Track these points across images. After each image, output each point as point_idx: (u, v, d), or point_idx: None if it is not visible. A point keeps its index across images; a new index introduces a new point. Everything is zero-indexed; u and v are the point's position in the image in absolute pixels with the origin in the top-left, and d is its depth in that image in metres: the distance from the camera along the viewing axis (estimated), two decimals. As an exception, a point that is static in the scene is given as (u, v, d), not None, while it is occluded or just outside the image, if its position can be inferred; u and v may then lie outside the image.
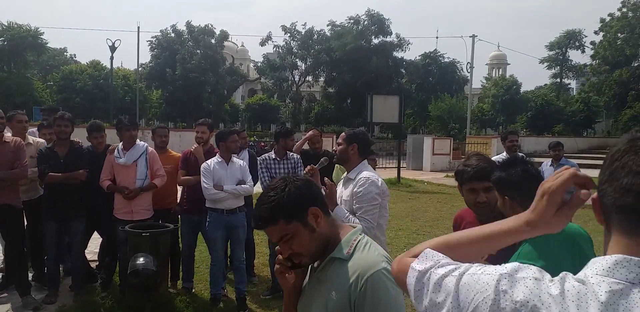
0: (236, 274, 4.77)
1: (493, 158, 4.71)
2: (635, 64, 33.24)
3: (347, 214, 2.97)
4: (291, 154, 5.14)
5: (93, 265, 5.39)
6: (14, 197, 4.52)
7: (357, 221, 2.90)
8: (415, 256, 1.00)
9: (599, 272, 0.76)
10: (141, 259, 4.00)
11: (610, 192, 0.79)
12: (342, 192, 3.13)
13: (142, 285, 3.97)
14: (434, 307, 0.89)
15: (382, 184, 3.03)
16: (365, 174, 3.02)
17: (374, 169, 3.91)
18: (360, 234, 1.50)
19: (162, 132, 5.30)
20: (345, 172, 3.24)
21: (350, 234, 1.49)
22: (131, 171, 4.68)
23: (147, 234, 4.24)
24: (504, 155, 5.16)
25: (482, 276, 0.85)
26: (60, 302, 4.62)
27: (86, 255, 5.10)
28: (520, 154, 5.09)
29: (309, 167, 3.15)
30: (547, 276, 0.82)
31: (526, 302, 0.77)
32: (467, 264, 0.91)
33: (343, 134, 3.23)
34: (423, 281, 0.93)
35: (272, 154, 5.08)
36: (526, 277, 0.81)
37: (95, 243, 5.45)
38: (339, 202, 3.12)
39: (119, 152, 4.73)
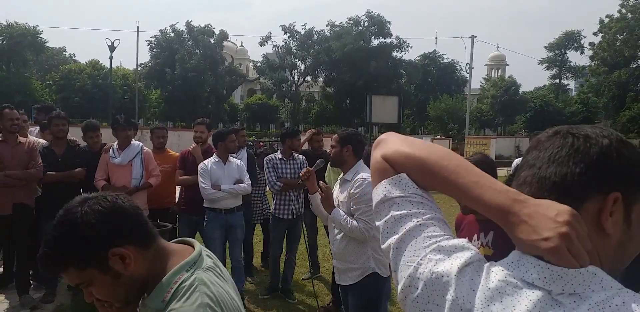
0: (234, 274, 4.76)
1: (516, 160, 4.65)
2: (634, 65, 33.28)
3: (344, 216, 2.96)
4: (297, 154, 5.15)
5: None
6: (28, 197, 4.56)
7: (355, 223, 2.90)
8: (386, 159, 0.93)
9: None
10: (139, 258, 3.98)
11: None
12: (339, 195, 3.11)
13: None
14: (380, 232, 0.90)
15: None
16: (362, 175, 2.99)
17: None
18: (187, 271, 1.13)
19: (160, 133, 5.29)
20: (341, 174, 3.23)
21: (172, 273, 1.12)
22: (126, 171, 4.67)
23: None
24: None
25: (427, 240, 0.82)
26: (58, 302, 4.61)
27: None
28: None
29: (304, 169, 3.19)
30: (485, 266, 0.78)
31: (440, 276, 0.77)
32: (428, 218, 0.85)
33: (336, 136, 3.22)
34: (384, 205, 0.90)
35: (279, 155, 5.06)
36: (461, 257, 0.78)
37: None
38: (335, 204, 3.10)
39: (114, 152, 4.71)
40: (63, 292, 4.82)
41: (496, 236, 2.23)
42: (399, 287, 0.82)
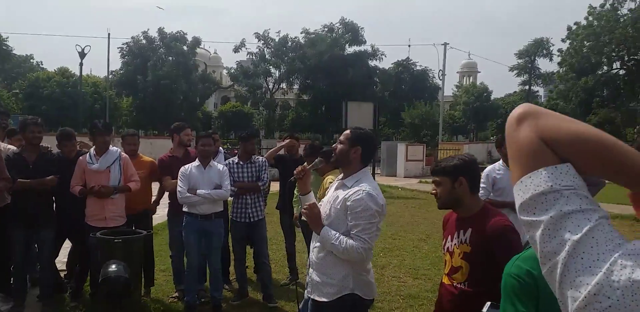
0: (212, 281, 4.68)
1: (487, 168, 4.61)
2: (600, 72, 34.29)
3: (337, 236, 2.52)
4: (256, 157, 5.12)
5: (62, 274, 5.21)
6: None
7: (351, 242, 2.48)
8: (547, 140, 0.79)
9: None
10: (113, 266, 3.88)
11: None
12: (331, 197, 2.69)
13: (115, 293, 3.84)
14: (538, 229, 0.76)
15: (381, 200, 2.58)
16: (364, 185, 2.55)
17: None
18: None
19: (132, 140, 5.20)
20: (340, 175, 2.79)
21: None
22: (104, 177, 4.56)
23: (120, 240, 4.12)
24: (500, 164, 4.78)
25: (610, 242, 0.72)
26: (27, 313, 4.45)
27: (56, 265, 4.93)
28: None
29: (299, 167, 2.81)
30: None
31: None
32: (604, 217, 0.75)
33: (347, 132, 2.72)
34: (546, 198, 0.76)
35: (236, 158, 5.04)
36: None
37: (63, 253, 5.27)
38: (324, 205, 2.70)
39: (91, 158, 4.60)
40: (32, 304, 4.65)
41: (473, 232, 2.25)
42: (580, 294, 0.71)
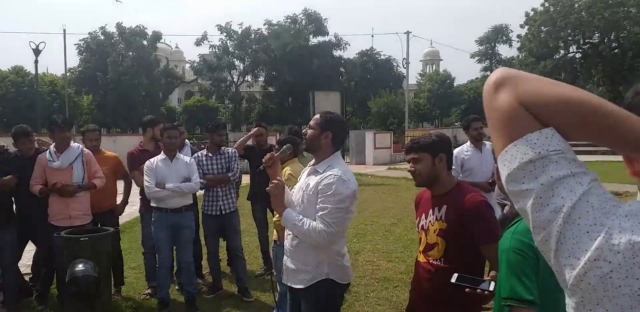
0: (184, 276, 4.59)
1: (456, 150, 4.62)
2: (557, 56, 35.19)
3: (300, 218, 2.50)
4: (225, 148, 5.03)
5: (27, 278, 5.02)
6: None
7: (314, 224, 2.45)
8: (527, 105, 0.74)
9: None
10: (80, 265, 3.74)
11: None
12: (303, 184, 2.65)
13: (84, 293, 3.72)
14: (528, 198, 0.72)
15: (354, 185, 2.53)
16: (336, 170, 2.50)
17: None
18: None
19: (93, 135, 5.03)
20: (312, 161, 2.74)
21: None
22: (66, 175, 4.39)
23: (86, 238, 3.98)
24: (468, 145, 4.83)
25: (605, 204, 0.69)
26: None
27: (19, 268, 4.74)
28: (488, 142, 4.84)
29: (268, 155, 2.73)
30: None
31: None
32: (595, 179, 0.72)
33: (317, 116, 2.67)
34: (534, 166, 0.72)
35: (205, 151, 4.95)
36: None
37: (28, 256, 5.08)
38: (296, 192, 2.69)
39: (51, 155, 4.41)
40: None
41: (448, 209, 2.26)
42: (578, 261, 0.68)
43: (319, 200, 2.47)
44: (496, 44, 46.67)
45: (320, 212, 2.45)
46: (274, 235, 4.18)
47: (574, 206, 0.69)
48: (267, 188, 2.62)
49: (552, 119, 0.73)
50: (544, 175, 0.71)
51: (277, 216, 3.41)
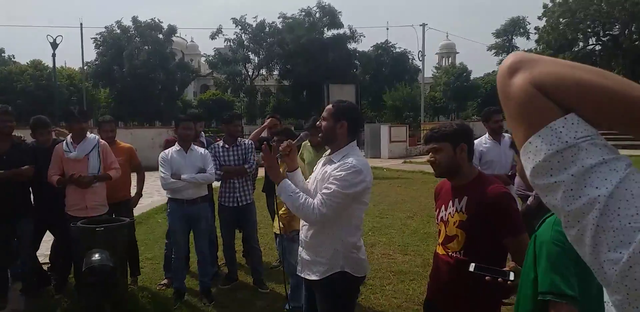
0: (200, 267, 4.60)
1: (474, 141, 4.51)
2: (576, 48, 34.59)
3: (297, 191, 2.45)
4: (242, 140, 5.01)
5: (45, 267, 5.08)
6: None
7: (310, 200, 2.41)
8: (545, 89, 0.69)
9: None
10: (96, 255, 3.76)
11: None
12: (318, 173, 2.60)
13: (100, 282, 3.74)
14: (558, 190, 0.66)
15: (368, 175, 2.46)
16: (351, 159, 2.44)
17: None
18: None
19: (109, 127, 5.05)
20: (327, 151, 2.68)
21: None
22: (82, 166, 4.41)
23: (102, 229, 4.00)
24: (486, 137, 4.74)
25: None
26: (10, 308, 4.33)
27: (37, 257, 4.80)
28: (507, 134, 4.73)
29: (285, 143, 2.64)
30: None
31: None
32: (629, 165, 0.66)
33: (329, 107, 2.60)
34: (562, 156, 0.66)
35: (221, 142, 4.93)
36: None
37: (46, 246, 5.13)
38: (311, 182, 2.62)
39: (68, 146, 4.44)
40: (16, 299, 4.52)
41: (469, 201, 2.19)
42: (621, 255, 0.62)
43: (327, 182, 2.42)
44: (513, 37, 46.07)
45: (324, 191, 2.40)
46: (274, 228, 4.17)
47: (611, 196, 0.63)
48: (280, 146, 2.60)
49: (574, 104, 0.68)
50: (573, 165, 0.66)
51: (284, 208, 3.42)
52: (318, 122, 2.67)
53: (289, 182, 2.50)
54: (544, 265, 1.39)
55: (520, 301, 1.51)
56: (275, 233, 4.30)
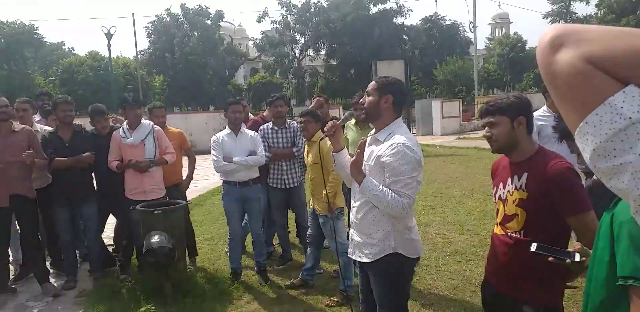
0: (255, 247, 4.68)
1: (535, 113, 4.26)
2: (643, 11, 32.22)
3: (380, 188, 2.35)
4: (291, 122, 4.99)
5: (110, 249, 5.33)
6: (28, 188, 4.44)
7: (396, 195, 2.33)
8: (589, 62, 0.62)
9: None
10: (156, 237, 3.89)
11: None
12: (366, 155, 2.52)
13: (160, 263, 3.87)
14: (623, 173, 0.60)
15: (418, 152, 2.42)
16: (399, 138, 2.38)
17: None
18: None
19: (159, 112, 5.19)
20: (373, 130, 2.61)
21: None
22: (139, 151, 4.58)
23: (160, 211, 4.12)
24: (545, 109, 4.38)
25: None
26: (80, 287, 4.59)
27: (103, 239, 5.04)
28: None
29: (330, 123, 2.57)
30: None
31: None
32: None
33: (373, 82, 2.52)
34: (628, 134, 0.60)
35: (270, 124, 4.93)
36: None
37: (110, 228, 5.38)
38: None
39: (125, 132, 4.60)
40: (84, 278, 4.79)
41: (529, 177, 2.06)
42: None
43: (388, 174, 2.37)
44: (571, 2, 43.29)
45: (396, 186, 2.34)
46: (310, 207, 4.28)
47: None
48: (326, 127, 2.58)
49: (631, 75, 0.60)
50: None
51: (330, 186, 3.70)
52: (362, 99, 2.60)
53: (371, 179, 2.41)
54: (625, 247, 1.25)
55: (592, 286, 1.38)
56: (311, 212, 4.31)
